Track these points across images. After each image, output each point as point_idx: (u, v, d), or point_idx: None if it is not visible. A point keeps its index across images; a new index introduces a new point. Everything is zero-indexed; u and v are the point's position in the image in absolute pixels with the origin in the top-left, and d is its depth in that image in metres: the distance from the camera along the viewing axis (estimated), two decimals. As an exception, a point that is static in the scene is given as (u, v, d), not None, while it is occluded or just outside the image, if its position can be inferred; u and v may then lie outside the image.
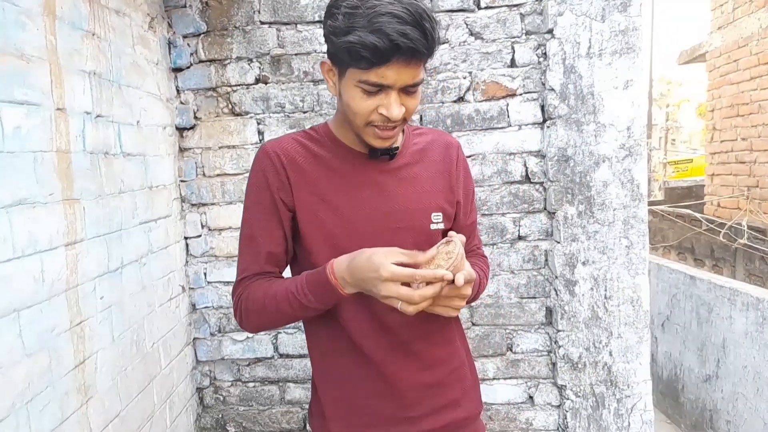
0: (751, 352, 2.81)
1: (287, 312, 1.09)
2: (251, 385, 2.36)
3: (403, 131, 1.22)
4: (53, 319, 1.40)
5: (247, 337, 2.33)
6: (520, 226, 2.26)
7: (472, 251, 1.33)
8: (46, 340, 1.36)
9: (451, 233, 1.03)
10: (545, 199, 2.24)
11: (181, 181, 2.29)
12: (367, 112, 1.03)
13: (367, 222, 1.13)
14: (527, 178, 2.24)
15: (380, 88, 1.00)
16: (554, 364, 2.25)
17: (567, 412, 2.22)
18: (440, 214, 1.19)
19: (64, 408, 1.41)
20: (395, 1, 0.96)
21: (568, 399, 2.21)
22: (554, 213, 2.19)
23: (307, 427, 2.33)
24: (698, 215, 5.78)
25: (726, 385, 3.04)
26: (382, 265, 0.95)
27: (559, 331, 2.20)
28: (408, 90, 1.02)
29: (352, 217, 1.12)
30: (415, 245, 1.10)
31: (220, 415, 2.36)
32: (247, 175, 2.24)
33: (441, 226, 1.19)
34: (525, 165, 2.23)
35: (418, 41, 0.95)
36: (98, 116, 1.67)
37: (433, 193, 1.19)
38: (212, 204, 2.30)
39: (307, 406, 2.31)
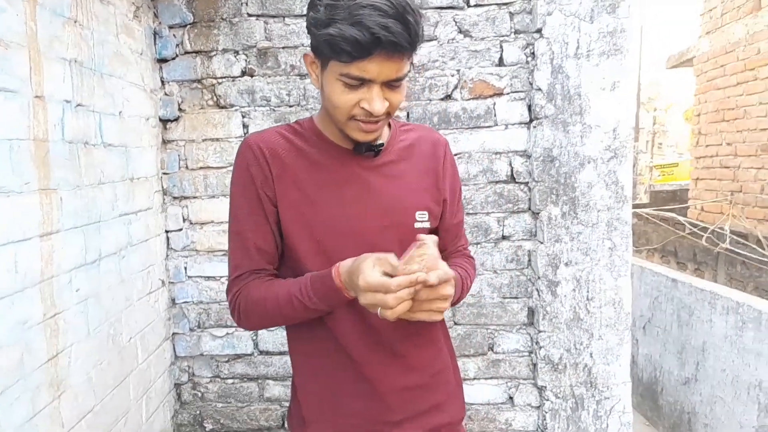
0: (730, 355, 2.83)
1: (289, 314, 1.07)
2: (230, 381, 2.33)
3: (389, 127, 1.20)
4: (26, 312, 1.37)
5: (227, 333, 2.30)
6: (504, 225, 2.25)
7: (458, 251, 1.31)
8: (18, 332, 1.33)
9: (420, 235, 1.01)
10: (530, 199, 2.24)
11: (164, 173, 2.26)
12: (349, 106, 1.01)
13: (350, 219, 1.10)
14: (512, 178, 2.23)
15: (362, 82, 0.98)
16: (535, 365, 2.25)
17: (546, 413, 2.22)
18: (426, 212, 1.17)
19: (35, 402, 1.38)
20: None
21: (547, 400, 2.22)
22: (538, 213, 2.19)
23: (285, 425, 2.31)
24: (682, 219, 5.83)
25: (705, 388, 3.06)
26: (362, 273, 0.94)
27: (540, 331, 2.20)
28: (391, 84, 1.01)
29: (335, 213, 1.10)
30: (400, 243, 1.08)
31: (198, 412, 2.33)
32: (231, 168, 2.23)
33: (427, 224, 1.17)
34: (510, 164, 2.23)
35: (400, 35, 0.93)
36: (78, 105, 1.64)
37: (419, 191, 1.17)
38: (194, 197, 2.27)
39: (286, 404, 2.30)
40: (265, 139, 1.12)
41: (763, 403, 2.52)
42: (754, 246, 4.59)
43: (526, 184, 2.23)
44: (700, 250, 5.34)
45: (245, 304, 1.10)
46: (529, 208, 2.24)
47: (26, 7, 1.41)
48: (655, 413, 3.66)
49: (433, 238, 1.00)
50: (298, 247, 1.11)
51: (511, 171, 2.23)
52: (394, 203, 1.13)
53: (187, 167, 2.27)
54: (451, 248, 1.29)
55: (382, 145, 1.14)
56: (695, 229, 5.36)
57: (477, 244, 2.25)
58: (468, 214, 2.24)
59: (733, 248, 4.66)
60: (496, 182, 2.23)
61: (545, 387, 2.21)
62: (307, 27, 1.03)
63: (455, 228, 1.28)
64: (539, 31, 2.11)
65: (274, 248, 1.14)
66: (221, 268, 2.28)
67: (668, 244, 5.95)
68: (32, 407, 1.37)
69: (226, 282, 1.21)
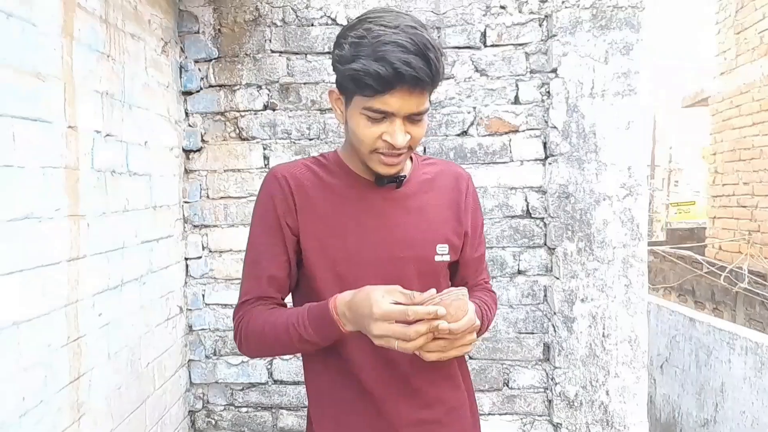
0: (750, 397, 2.78)
1: (286, 343, 1.08)
2: (244, 410, 2.34)
3: (411, 160, 1.23)
4: (51, 334, 1.40)
5: (242, 362, 2.32)
6: (519, 260, 2.26)
7: (479, 285, 1.31)
8: (43, 354, 1.37)
9: (452, 289, 1.00)
10: (545, 234, 2.25)
11: (185, 202, 2.31)
12: (372, 139, 1.04)
13: (370, 250, 1.12)
14: (528, 213, 2.26)
15: (385, 116, 1.02)
16: (550, 401, 2.23)
17: (562, 451, 2.19)
18: (446, 245, 1.18)
19: (56, 424, 1.40)
20: (400, 32, 0.98)
21: (563, 438, 2.19)
22: (554, 249, 2.20)
23: (299, 455, 2.30)
24: (699, 257, 5.78)
25: (724, 430, 3.00)
26: (376, 302, 0.94)
27: (556, 368, 2.19)
28: (413, 118, 1.04)
29: (355, 244, 1.12)
30: (419, 276, 1.12)
31: (211, 440, 2.34)
32: (251, 198, 2.28)
33: (446, 258, 1.18)
34: (526, 200, 2.25)
35: (421, 70, 0.97)
36: (108, 135, 1.70)
37: (440, 224, 1.19)
38: (214, 226, 2.32)
39: (299, 435, 2.29)
40: (290, 170, 1.16)
41: (784, 448, 2.47)
42: (773, 286, 4.53)
43: (542, 219, 2.25)
44: (718, 290, 5.28)
45: (246, 329, 1.12)
46: (545, 244, 2.26)
47: (63, 42, 1.49)
48: (673, 456, 3.58)
49: (463, 290, 1.00)
50: (316, 276, 1.13)
51: (527, 206, 2.26)
52: (415, 235, 1.15)
53: (208, 197, 2.32)
54: (472, 282, 1.29)
55: (404, 176, 1.17)
56: (713, 268, 5.31)
57: (493, 278, 2.26)
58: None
59: (751, 288, 4.60)
60: (512, 217, 2.26)
61: (561, 424, 2.19)
62: (332, 64, 1.08)
63: (476, 262, 1.29)
64: (554, 71, 2.16)
65: (287, 278, 1.16)
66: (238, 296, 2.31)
67: (685, 282, 5.88)
68: (53, 430, 1.39)
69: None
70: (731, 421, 2.92)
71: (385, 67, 0.96)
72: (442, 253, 1.17)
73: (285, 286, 1.17)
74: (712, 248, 6.49)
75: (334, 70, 1.08)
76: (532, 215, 2.26)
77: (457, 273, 1.27)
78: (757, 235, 5.63)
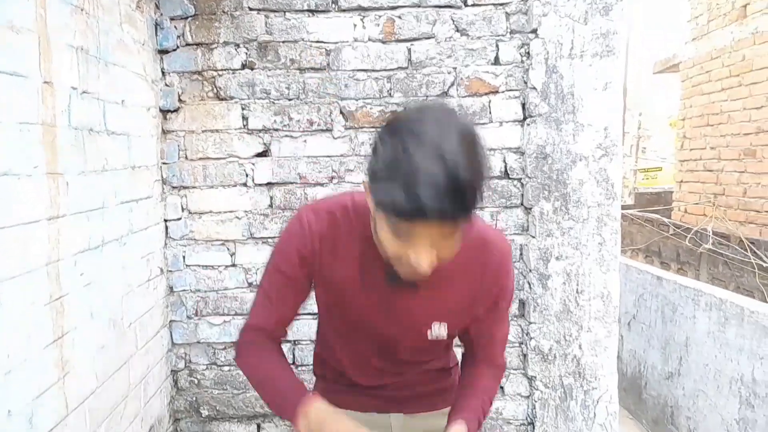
0: (713, 351, 2.92)
1: (263, 397, 1.21)
2: (226, 369, 2.36)
3: None
4: (33, 293, 1.39)
5: (224, 321, 2.34)
6: (497, 220, 2.31)
7: (486, 360, 1.28)
8: (26, 313, 1.36)
9: None
10: (522, 194, 2.29)
11: (163, 163, 2.28)
12: (397, 254, 0.97)
13: (366, 326, 1.19)
14: (506, 174, 2.29)
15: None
16: (525, 356, 2.31)
17: (536, 402, 2.28)
18: (445, 324, 1.17)
19: (41, 382, 1.41)
20: (439, 159, 0.85)
21: (537, 390, 2.28)
22: (531, 209, 2.25)
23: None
24: (666, 220, 5.94)
25: (688, 382, 3.15)
26: None
27: (531, 323, 2.26)
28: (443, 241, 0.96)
29: (355, 317, 1.19)
30: (412, 350, 1.22)
31: (194, 398, 2.36)
32: (231, 159, 2.28)
33: (443, 335, 1.18)
34: (504, 161, 2.28)
35: (453, 211, 0.87)
36: (84, 92, 1.66)
37: (446, 309, 1.17)
38: (193, 187, 2.30)
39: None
40: (320, 227, 1.14)
41: (744, 397, 2.61)
42: (736, 247, 4.70)
43: (520, 180, 2.29)
44: (683, 251, 5.45)
45: (247, 366, 1.22)
46: (522, 204, 2.30)
47: (36, -6, 1.43)
48: (638, 407, 3.74)
49: None
50: (323, 314, 1.28)
51: (505, 167, 2.29)
52: (417, 318, 1.16)
53: (186, 158, 2.29)
54: (481, 355, 1.28)
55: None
56: (679, 230, 5.47)
57: (470, 237, 2.30)
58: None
59: (715, 249, 4.76)
60: (490, 178, 2.29)
61: (535, 377, 2.27)
62: (368, 160, 0.98)
63: (488, 338, 1.27)
64: (534, 31, 2.17)
65: (295, 314, 1.24)
66: (219, 257, 2.31)
67: (652, 244, 6.06)
68: (38, 387, 1.39)
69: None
70: (695, 373, 3.07)
71: (412, 204, 0.85)
72: (438, 333, 1.18)
73: (290, 320, 1.25)
74: (678, 211, 6.67)
75: (367, 167, 0.98)
76: (510, 176, 2.29)
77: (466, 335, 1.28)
78: (722, 198, 5.80)
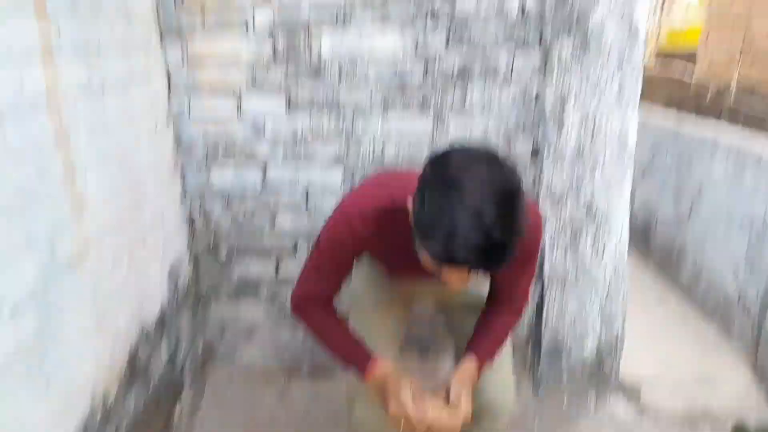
0: (726, 194, 2.90)
1: (333, 355, 1.41)
2: (240, 218, 2.41)
3: None
4: (37, 130, 1.36)
5: (236, 169, 2.34)
6: (513, 64, 2.20)
7: (503, 310, 1.47)
8: (33, 147, 1.34)
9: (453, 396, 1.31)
10: (540, 37, 2.17)
11: (160, 9, 2.15)
12: (437, 271, 1.08)
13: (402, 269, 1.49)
14: (524, 16, 2.15)
15: None
16: (537, 195, 2.30)
17: (546, 242, 2.31)
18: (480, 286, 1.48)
19: (56, 215, 1.42)
20: (476, 215, 0.94)
21: (547, 231, 2.30)
22: (549, 52, 2.13)
23: (296, 253, 2.43)
24: (688, 75, 5.70)
25: (697, 225, 3.18)
26: (402, 403, 1.26)
27: (545, 166, 2.23)
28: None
29: (395, 264, 1.49)
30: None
31: (212, 240, 2.43)
32: (230, 3, 2.12)
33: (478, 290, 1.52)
34: (522, 2, 2.14)
35: (484, 266, 0.99)
36: None
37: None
38: (193, 34, 2.19)
39: (295, 236, 2.41)
40: (365, 226, 1.28)
41: (754, 236, 2.63)
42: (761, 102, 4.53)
43: (539, 20, 2.15)
44: (704, 104, 5.29)
45: (310, 323, 1.43)
46: (540, 47, 2.18)
47: None
48: (645, 253, 3.82)
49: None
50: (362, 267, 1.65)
51: (523, 9, 2.14)
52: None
53: (183, 3, 2.16)
54: (502, 297, 1.46)
55: None
56: (700, 85, 5.26)
57: (484, 81, 2.22)
58: (479, 56, 2.18)
59: (736, 108, 4.60)
60: (507, 20, 2.15)
61: (547, 219, 2.29)
62: (413, 207, 1.07)
63: (513, 285, 1.43)
64: None
65: (340, 287, 1.43)
66: (225, 104, 2.26)
67: (673, 100, 5.87)
68: (54, 220, 1.40)
69: (297, 276, 1.45)
70: (705, 216, 3.08)
71: (448, 257, 0.98)
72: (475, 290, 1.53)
73: (337, 292, 1.44)
74: (702, 66, 6.38)
75: (413, 208, 1.07)
76: (528, 18, 2.15)
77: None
78: (748, 50, 5.50)
